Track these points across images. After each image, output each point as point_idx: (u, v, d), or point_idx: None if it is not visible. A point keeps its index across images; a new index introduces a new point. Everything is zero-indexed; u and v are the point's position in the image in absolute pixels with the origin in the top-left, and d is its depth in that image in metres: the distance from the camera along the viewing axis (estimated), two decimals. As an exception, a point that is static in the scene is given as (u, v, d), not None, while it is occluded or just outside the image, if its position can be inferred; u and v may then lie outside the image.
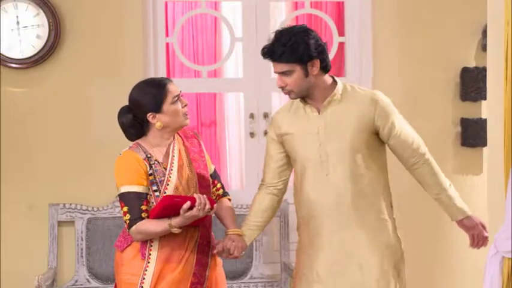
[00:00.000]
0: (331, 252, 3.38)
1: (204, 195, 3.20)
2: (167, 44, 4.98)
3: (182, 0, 5.56)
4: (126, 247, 3.30)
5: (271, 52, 3.32)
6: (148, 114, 3.28)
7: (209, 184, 3.42)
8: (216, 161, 5.81)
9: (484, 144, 4.58)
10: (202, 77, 5.09)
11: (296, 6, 5.46)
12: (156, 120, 3.28)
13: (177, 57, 5.32)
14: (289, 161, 3.52)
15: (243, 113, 5.10)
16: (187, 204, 3.14)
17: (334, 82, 3.42)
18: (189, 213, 3.15)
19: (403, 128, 3.43)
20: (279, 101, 5.76)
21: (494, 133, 3.53)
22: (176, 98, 3.29)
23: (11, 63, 4.59)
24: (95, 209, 4.62)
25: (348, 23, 4.98)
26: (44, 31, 4.58)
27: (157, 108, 3.27)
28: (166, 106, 3.27)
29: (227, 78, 5.61)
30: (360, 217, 3.38)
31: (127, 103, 3.39)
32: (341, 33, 5.02)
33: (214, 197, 3.46)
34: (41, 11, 4.57)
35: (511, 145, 3.30)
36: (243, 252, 3.48)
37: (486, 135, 3.73)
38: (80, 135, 4.68)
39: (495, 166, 3.50)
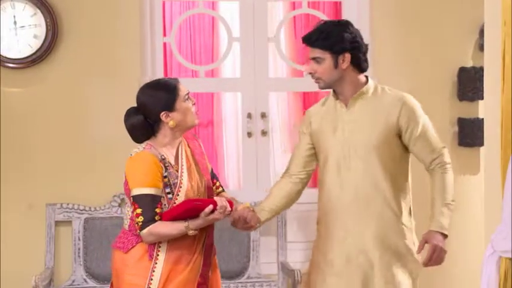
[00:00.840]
0: (346, 246, 3.43)
1: (224, 198, 3.26)
2: (164, 44, 4.98)
3: (179, 0, 5.55)
4: (131, 248, 3.28)
5: (308, 37, 3.42)
6: (161, 114, 3.27)
7: (212, 185, 3.46)
8: (214, 161, 5.80)
9: (481, 144, 4.57)
10: (200, 77, 5.09)
11: (294, 6, 5.46)
12: (170, 119, 3.28)
13: (174, 57, 5.31)
14: (316, 155, 3.59)
15: (240, 113, 5.09)
16: (210, 208, 3.17)
17: (367, 82, 3.50)
18: (210, 216, 3.18)
19: (427, 132, 3.46)
20: (276, 100, 5.76)
21: (491, 133, 3.53)
22: (187, 96, 3.32)
23: (9, 63, 4.58)
24: (92, 209, 4.62)
25: (345, 22, 4.97)
26: (41, 31, 4.58)
27: (170, 107, 3.27)
28: (179, 104, 3.28)
29: (225, 78, 5.60)
30: (377, 215, 3.42)
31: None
32: (338, 33, 5.01)
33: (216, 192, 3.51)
34: (38, 10, 4.57)
35: (507, 145, 3.30)
36: (258, 225, 3.50)
37: (483, 135, 3.73)
38: (77, 135, 4.67)
39: (492, 166, 3.50)
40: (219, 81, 5.42)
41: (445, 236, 3.38)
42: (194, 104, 3.36)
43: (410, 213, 3.53)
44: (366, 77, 3.50)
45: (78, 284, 4.58)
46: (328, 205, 3.48)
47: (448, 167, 3.47)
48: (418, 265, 3.50)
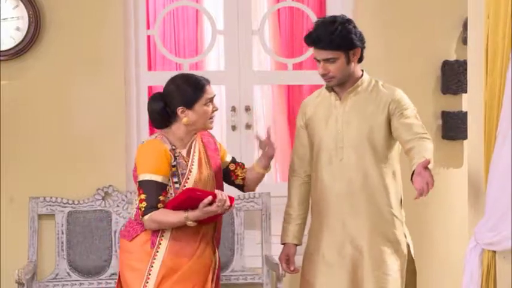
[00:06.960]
0: (337, 235, 3.50)
1: (225, 193, 3.31)
2: (148, 37, 4.95)
3: (163, -7, 5.54)
4: (136, 236, 3.36)
5: (318, 40, 3.41)
6: (178, 108, 3.36)
7: (222, 181, 3.54)
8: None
9: (465, 137, 4.58)
10: (184, 70, 5.07)
11: (278, -2, 5.46)
12: (185, 116, 3.37)
13: (158, 50, 5.29)
14: None
15: (224, 106, 5.09)
16: (209, 199, 3.23)
17: (362, 75, 3.56)
18: (208, 208, 3.24)
19: (413, 117, 3.47)
20: (260, 94, 5.75)
21: (474, 126, 3.54)
22: (209, 101, 3.40)
23: (-10, 55, 4.55)
24: (76, 202, 4.60)
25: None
26: (23, 23, 4.54)
27: (189, 105, 3.36)
28: (199, 106, 3.37)
29: (209, 71, 5.58)
30: (369, 205, 3.48)
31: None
32: (323, 26, 5.00)
33: (243, 175, 3.62)
34: (20, 2, 4.53)
35: (491, 138, 3.32)
36: None
37: (467, 128, 3.74)
38: (60, 128, 4.64)
39: (475, 159, 3.51)
40: (203, 74, 5.36)
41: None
42: (216, 110, 3.44)
43: (401, 204, 3.58)
44: (362, 70, 3.56)
45: (62, 278, 4.56)
46: (320, 195, 3.55)
47: (427, 138, 3.38)
48: (405, 258, 3.54)
